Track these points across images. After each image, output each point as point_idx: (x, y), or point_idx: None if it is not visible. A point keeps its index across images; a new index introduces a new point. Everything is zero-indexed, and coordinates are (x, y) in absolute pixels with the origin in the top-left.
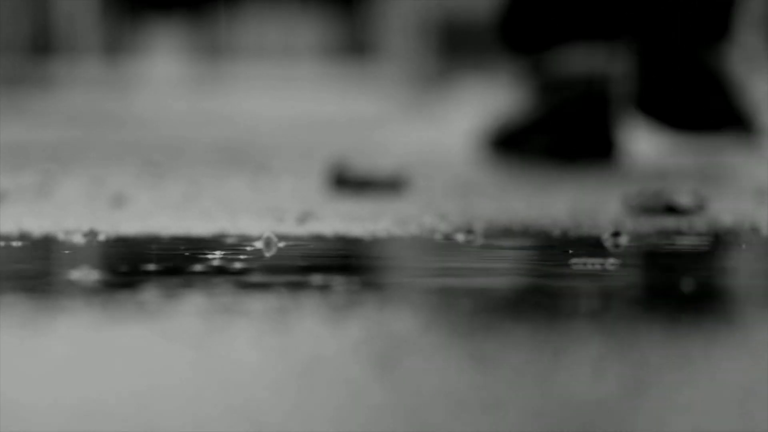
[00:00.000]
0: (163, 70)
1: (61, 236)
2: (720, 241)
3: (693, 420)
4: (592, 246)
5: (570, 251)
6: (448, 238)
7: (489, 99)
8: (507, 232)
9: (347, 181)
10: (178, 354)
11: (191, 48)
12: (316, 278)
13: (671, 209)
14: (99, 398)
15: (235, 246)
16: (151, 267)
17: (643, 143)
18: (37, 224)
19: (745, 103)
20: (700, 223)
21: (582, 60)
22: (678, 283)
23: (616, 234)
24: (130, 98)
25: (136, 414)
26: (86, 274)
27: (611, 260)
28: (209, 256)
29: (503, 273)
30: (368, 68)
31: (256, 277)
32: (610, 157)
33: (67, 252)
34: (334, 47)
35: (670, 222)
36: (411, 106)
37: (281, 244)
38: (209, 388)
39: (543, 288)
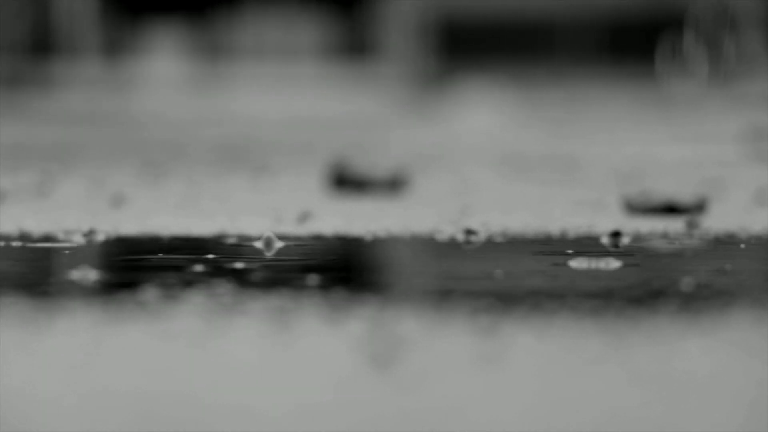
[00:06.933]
0: (163, 70)
1: (61, 236)
2: (719, 241)
3: (693, 419)
4: (592, 246)
5: (570, 251)
6: (448, 238)
7: (489, 98)
8: (507, 232)
9: (347, 181)
10: (178, 354)
11: (191, 48)
12: (316, 278)
13: (671, 209)
14: (99, 397)
15: (235, 246)
16: (151, 267)
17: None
18: (37, 224)
19: None
20: (699, 223)
21: None
22: (678, 283)
23: (616, 234)
24: (130, 98)
25: (137, 413)
26: (86, 274)
27: (611, 260)
28: (209, 256)
29: (503, 273)
30: (368, 68)
31: (256, 277)
32: None
33: (67, 252)
34: (334, 47)
35: (670, 222)
36: (411, 106)
37: (281, 244)
38: (209, 387)
39: (543, 288)
